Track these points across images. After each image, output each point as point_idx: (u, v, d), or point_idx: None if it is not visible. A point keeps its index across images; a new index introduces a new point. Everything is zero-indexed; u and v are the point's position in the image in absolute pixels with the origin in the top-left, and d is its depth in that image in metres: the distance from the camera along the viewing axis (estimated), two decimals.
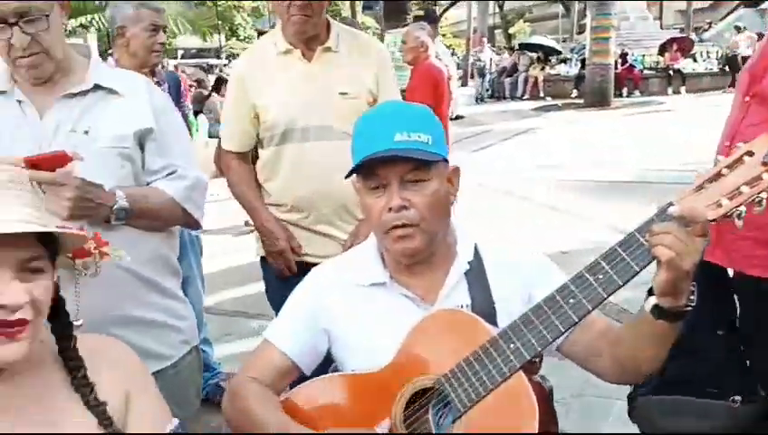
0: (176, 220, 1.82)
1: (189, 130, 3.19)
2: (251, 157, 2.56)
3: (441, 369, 1.35)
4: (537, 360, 1.38)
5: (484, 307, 1.43)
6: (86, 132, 1.67)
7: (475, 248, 1.50)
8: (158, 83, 3.10)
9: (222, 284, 5.02)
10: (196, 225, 1.88)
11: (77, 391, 1.17)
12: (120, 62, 2.99)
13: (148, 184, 1.76)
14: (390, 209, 1.39)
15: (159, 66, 3.26)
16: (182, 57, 24.83)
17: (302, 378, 1.54)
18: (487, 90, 20.31)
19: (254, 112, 2.39)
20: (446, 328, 1.38)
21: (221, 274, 5.17)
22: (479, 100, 19.64)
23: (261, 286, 2.44)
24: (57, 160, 1.51)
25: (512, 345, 1.29)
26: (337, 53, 2.38)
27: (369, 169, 1.40)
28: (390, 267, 1.50)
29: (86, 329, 1.49)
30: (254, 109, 2.38)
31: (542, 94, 19.49)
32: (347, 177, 1.46)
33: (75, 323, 1.24)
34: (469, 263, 1.47)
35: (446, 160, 1.45)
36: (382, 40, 10.63)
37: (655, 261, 1.18)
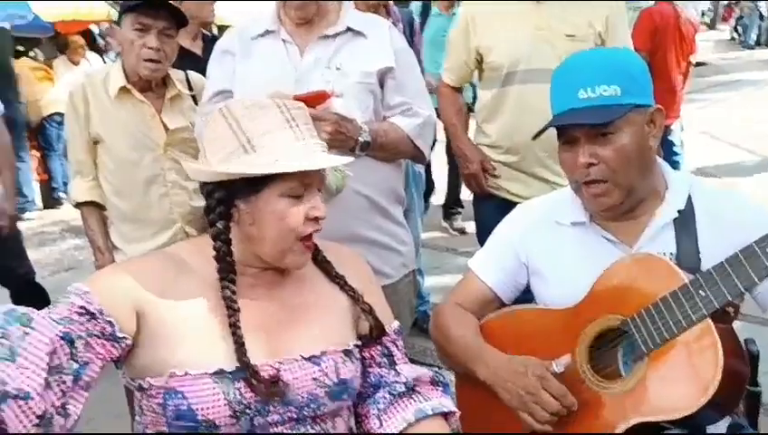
0: (407, 154, 2.00)
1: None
2: None
3: (630, 310, 1.37)
4: (732, 311, 1.35)
5: (689, 256, 1.41)
6: (338, 69, 1.88)
7: (689, 197, 1.47)
8: (394, 23, 3.29)
9: (436, 221, 5.28)
10: (423, 159, 2.06)
11: (333, 281, 1.41)
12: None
13: (384, 118, 1.95)
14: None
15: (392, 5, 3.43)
16: None
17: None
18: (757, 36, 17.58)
19: (476, 53, 2.49)
20: (638, 271, 1.39)
21: (435, 210, 5.42)
22: (742, 42, 17.34)
23: (470, 227, 2.60)
24: (319, 98, 1.74)
25: (701, 293, 1.29)
26: None
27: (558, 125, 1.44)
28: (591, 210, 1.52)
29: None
30: (476, 50, 2.48)
31: None
32: (536, 136, 1.51)
33: None
34: (679, 211, 1.45)
35: (643, 106, 1.41)
36: None
37: None
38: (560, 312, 1.49)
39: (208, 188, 1.27)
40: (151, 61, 2.16)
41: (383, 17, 3.26)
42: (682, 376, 1.29)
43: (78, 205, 2.31)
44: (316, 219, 1.30)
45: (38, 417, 1.05)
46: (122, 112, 2.21)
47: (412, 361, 1.47)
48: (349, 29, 1.92)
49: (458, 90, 2.73)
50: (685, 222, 1.45)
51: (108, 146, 2.22)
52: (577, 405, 1.36)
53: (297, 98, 1.72)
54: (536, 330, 1.52)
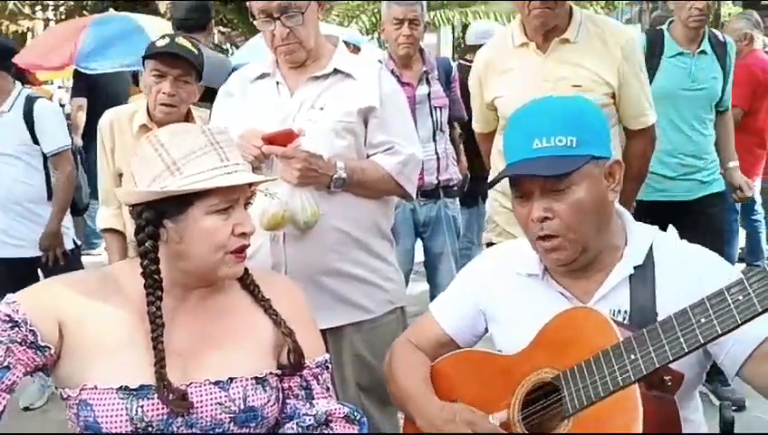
0: (389, 191, 2.04)
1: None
2: None
3: (565, 366, 1.32)
4: (669, 380, 1.24)
5: (644, 315, 1.35)
6: (321, 108, 1.97)
7: (650, 251, 1.41)
8: (428, 71, 3.43)
9: None
10: (407, 197, 2.09)
11: (259, 304, 1.44)
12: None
13: (368, 156, 2.01)
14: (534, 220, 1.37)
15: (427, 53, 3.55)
16: None
17: None
18: None
19: (488, 103, 2.52)
20: (579, 325, 1.34)
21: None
22: None
23: None
24: (287, 137, 1.82)
25: (632, 356, 1.22)
26: (575, 44, 2.36)
27: (511, 177, 1.40)
28: (546, 264, 1.48)
29: (294, 275, 1.81)
30: (488, 99, 2.51)
31: None
32: (491, 186, 1.48)
33: None
34: (635, 267, 1.39)
35: (601, 158, 1.37)
36: None
37: None
38: (504, 358, 1.47)
39: (137, 210, 1.33)
40: (165, 105, 2.33)
41: (418, 64, 3.41)
42: None
43: (102, 231, 2.51)
44: (244, 234, 1.35)
45: None
46: None
47: None
48: (337, 71, 2.00)
49: (492, 134, 2.71)
50: (642, 279, 1.38)
51: (126, 179, 2.41)
52: None
53: (265, 137, 1.83)
54: (482, 375, 1.49)
